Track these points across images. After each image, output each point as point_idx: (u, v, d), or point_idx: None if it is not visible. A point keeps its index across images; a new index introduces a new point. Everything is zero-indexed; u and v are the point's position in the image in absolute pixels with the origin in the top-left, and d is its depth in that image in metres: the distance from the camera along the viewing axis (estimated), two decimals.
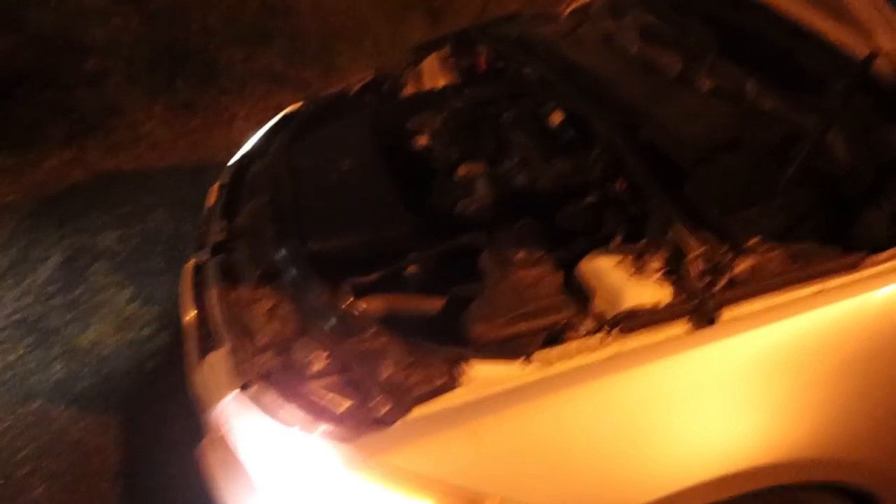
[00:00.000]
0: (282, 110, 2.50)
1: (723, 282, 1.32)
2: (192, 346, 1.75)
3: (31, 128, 4.09)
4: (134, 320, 2.92)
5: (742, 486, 1.27)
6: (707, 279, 1.32)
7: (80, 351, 2.79)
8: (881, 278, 1.33)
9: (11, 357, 2.76)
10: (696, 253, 1.35)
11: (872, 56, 1.28)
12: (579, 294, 1.43)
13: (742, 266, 1.35)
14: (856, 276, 1.33)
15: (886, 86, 1.36)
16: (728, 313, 1.29)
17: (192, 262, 1.85)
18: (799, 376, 1.29)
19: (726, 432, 1.25)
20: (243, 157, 2.21)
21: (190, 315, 1.79)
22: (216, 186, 2.13)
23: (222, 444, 1.48)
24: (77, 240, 3.38)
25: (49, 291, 3.08)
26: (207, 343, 1.64)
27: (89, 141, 4.09)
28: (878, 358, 1.33)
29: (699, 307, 1.28)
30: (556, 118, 1.94)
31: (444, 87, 2.35)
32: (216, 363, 1.54)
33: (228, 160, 2.30)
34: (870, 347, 1.32)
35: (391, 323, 1.43)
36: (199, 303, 1.76)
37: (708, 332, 1.28)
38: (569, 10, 2.65)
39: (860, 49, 1.33)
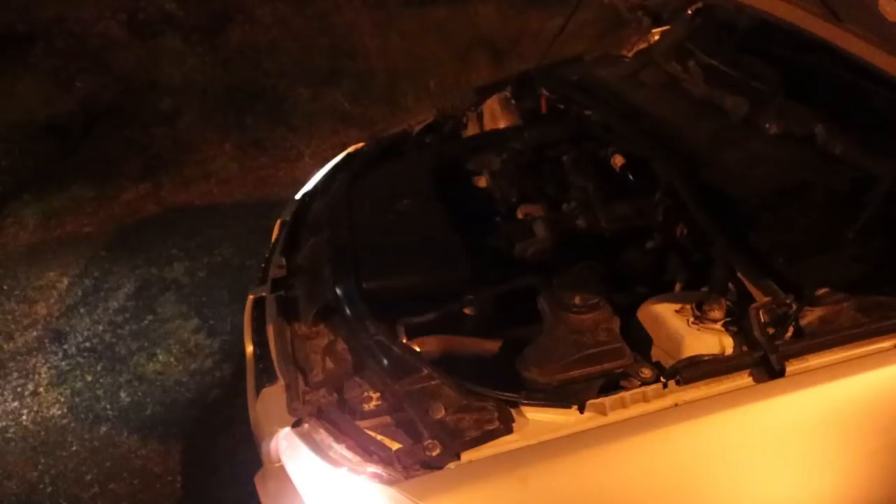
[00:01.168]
0: (347, 148, 2.55)
1: (788, 333, 1.27)
2: (250, 379, 1.77)
3: (109, 163, 4.29)
4: (198, 351, 2.99)
5: None
6: (771, 330, 1.27)
7: (146, 379, 2.87)
8: None
9: (80, 384, 2.86)
10: (761, 303, 1.30)
11: None
12: (637, 341, 1.40)
13: (809, 317, 1.30)
14: None
15: None
16: (794, 366, 1.23)
17: (251, 297, 1.88)
18: (870, 434, 1.22)
19: (790, 493, 1.19)
20: (305, 194, 2.25)
21: (249, 349, 1.82)
22: (278, 223, 2.18)
23: (277, 476, 1.48)
24: (147, 271, 3.50)
25: (119, 321, 3.18)
26: (264, 377, 1.65)
27: (163, 176, 4.26)
28: None
29: (764, 359, 1.23)
30: (618, 161, 1.92)
31: (505, 129, 2.36)
32: (271, 398, 1.55)
33: (294, 196, 2.35)
34: None
35: (445, 365, 1.42)
36: (258, 337, 1.79)
37: (773, 385, 1.22)
38: (633, 52, 2.64)
39: None
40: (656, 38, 2.61)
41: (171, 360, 2.95)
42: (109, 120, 4.42)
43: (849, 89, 1.70)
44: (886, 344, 1.24)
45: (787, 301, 1.28)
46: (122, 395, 2.80)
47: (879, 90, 1.58)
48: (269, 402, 1.56)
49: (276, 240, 2.12)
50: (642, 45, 2.64)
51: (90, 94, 4.39)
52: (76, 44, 4.48)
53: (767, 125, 1.81)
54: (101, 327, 3.15)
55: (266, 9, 5.19)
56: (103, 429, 2.66)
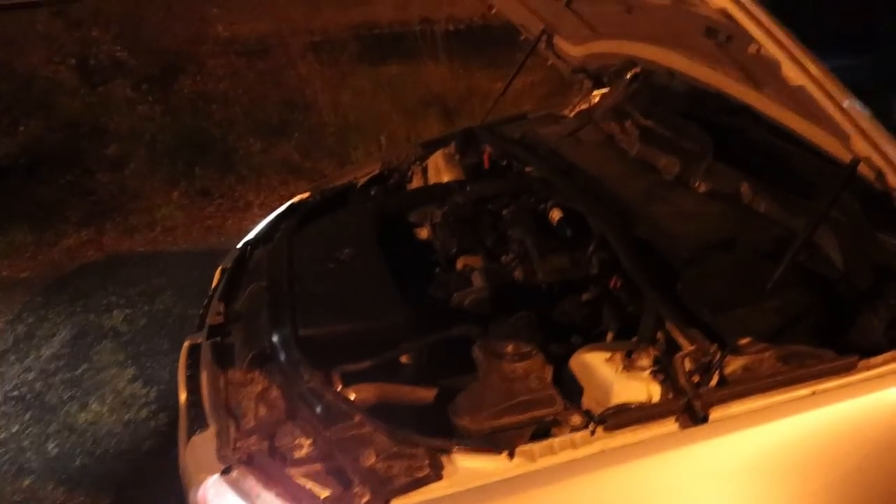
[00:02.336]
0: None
1: (712, 381, 1.31)
2: (182, 426, 1.73)
3: (51, 208, 4.22)
4: (133, 401, 2.91)
5: None
6: (696, 378, 1.31)
7: (76, 430, 2.77)
8: (877, 382, 1.31)
9: (4, 434, 2.75)
10: (685, 351, 1.34)
11: (856, 161, 1.31)
12: (569, 389, 1.42)
13: (732, 366, 1.34)
14: (851, 378, 1.31)
15: (871, 192, 1.38)
16: (718, 413, 1.27)
17: (187, 344, 1.85)
18: (790, 480, 1.25)
19: None
20: (247, 242, 2.25)
21: (182, 395, 1.79)
22: (219, 270, 2.16)
23: None
24: (85, 318, 3.41)
25: (51, 368, 3.09)
26: (196, 425, 1.62)
27: (107, 223, 4.20)
28: (873, 464, 1.29)
29: (688, 406, 1.26)
30: (555, 215, 1.97)
31: (448, 183, 2.40)
32: (201, 445, 1.52)
33: (236, 244, 2.34)
34: (864, 452, 1.29)
35: (379, 412, 1.42)
36: (192, 384, 1.75)
37: (697, 431, 1.25)
38: (574, 112, 2.74)
39: (843, 154, 1.36)
40: (596, 99, 2.72)
41: (104, 409, 2.86)
42: (53, 165, 4.36)
43: (772, 151, 1.80)
44: (804, 392, 1.28)
45: (711, 350, 1.32)
46: (50, 446, 2.69)
47: (798, 151, 1.67)
48: (200, 449, 1.52)
49: (216, 286, 2.10)
50: (583, 106, 2.74)
51: (35, 138, 4.33)
52: (22, 87, 4.44)
53: (697, 183, 1.89)
54: (31, 375, 3.04)
55: (219, 60, 5.23)
56: (27, 482, 2.55)
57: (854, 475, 1.27)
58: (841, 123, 1.25)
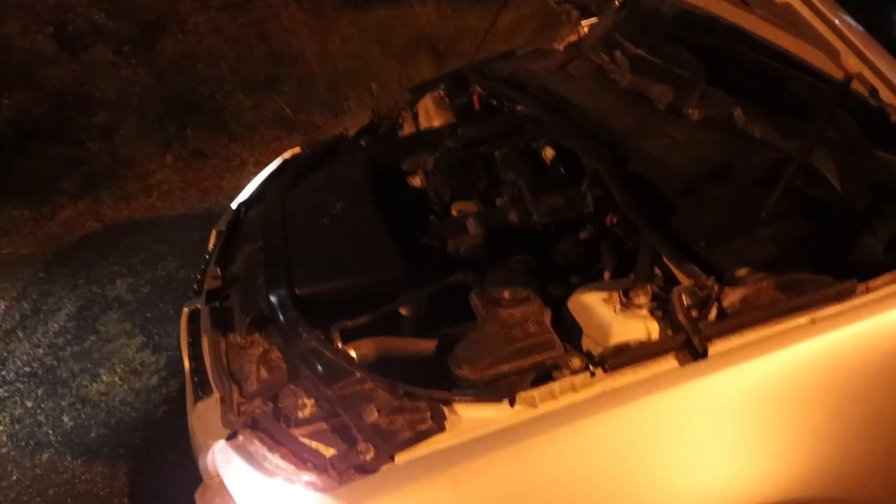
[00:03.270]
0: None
1: (711, 315, 1.29)
2: (189, 394, 1.74)
3: (45, 181, 4.19)
4: (143, 369, 2.94)
5: None
6: (695, 313, 1.29)
7: (89, 401, 2.80)
8: (877, 305, 1.29)
9: (20, 410, 2.78)
10: (683, 286, 1.32)
11: (849, 79, 1.26)
12: (569, 331, 1.41)
13: (731, 298, 1.32)
14: (850, 304, 1.29)
15: (867, 109, 1.34)
16: (718, 347, 1.25)
17: (186, 310, 1.85)
18: (794, 410, 1.25)
19: (719, 471, 1.21)
20: (241, 203, 2.22)
21: (186, 363, 1.79)
22: (214, 233, 2.15)
23: (216, 490, 1.46)
24: (88, 290, 3.42)
25: (60, 343, 3.11)
26: (200, 391, 1.63)
27: (102, 192, 4.17)
28: (876, 389, 1.28)
29: (687, 341, 1.25)
30: (548, 154, 1.93)
31: (439, 127, 2.35)
32: (206, 411, 1.53)
33: (230, 205, 2.32)
34: (867, 378, 1.27)
35: (380, 367, 1.41)
36: (194, 350, 1.76)
37: (697, 366, 1.24)
38: (563, 45, 2.66)
39: (836, 72, 1.31)
40: (585, 30, 2.64)
41: (116, 379, 2.89)
42: (42, 137, 4.31)
43: (765, 73, 1.74)
44: (803, 320, 1.26)
45: (709, 283, 1.30)
46: (65, 418, 2.73)
47: (792, 73, 1.62)
48: (205, 415, 1.53)
49: (212, 250, 2.09)
50: (572, 38, 2.66)
51: (20, 110, 4.27)
52: (1, 59, 4.35)
53: (690, 111, 1.84)
54: (41, 350, 3.07)
55: (199, 17, 5.11)
56: (45, 455, 2.59)
57: (859, 401, 1.26)
58: (831, 40, 1.20)
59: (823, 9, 1.18)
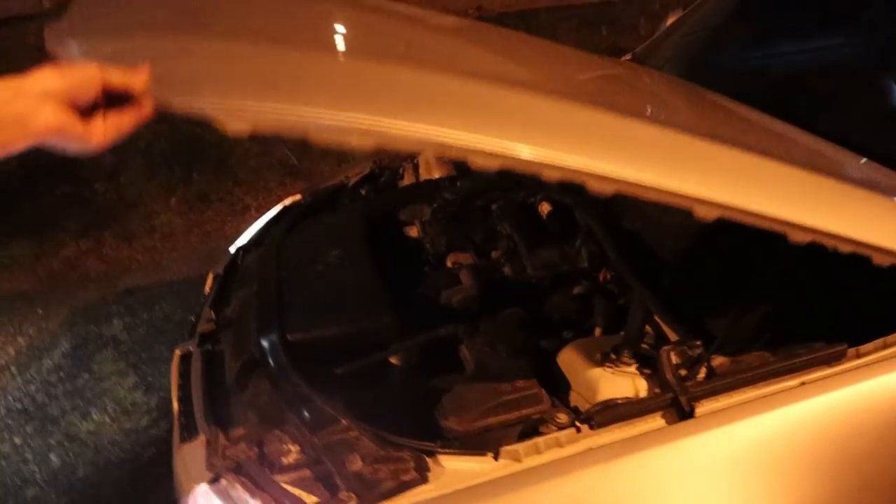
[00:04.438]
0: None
1: (699, 374, 1.29)
2: (175, 435, 1.73)
3: (50, 219, 4.22)
4: (134, 409, 2.92)
5: None
6: (683, 372, 1.29)
7: (78, 440, 2.78)
8: (868, 370, 1.30)
9: (7, 447, 2.75)
10: (671, 345, 1.32)
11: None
12: (558, 386, 1.41)
13: (721, 358, 1.32)
14: (840, 368, 1.30)
15: None
16: (705, 407, 1.25)
17: (178, 353, 1.85)
18: (782, 474, 1.24)
19: None
20: (239, 247, 2.24)
21: (175, 405, 1.79)
22: (211, 276, 2.16)
23: None
24: (85, 328, 3.41)
25: (52, 380, 3.09)
26: (186, 433, 1.62)
27: (105, 232, 4.19)
28: (866, 456, 1.27)
29: (674, 400, 1.25)
30: (544, 209, 1.96)
31: (439, 179, 2.38)
32: (191, 454, 1.52)
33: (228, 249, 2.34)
34: (857, 444, 1.27)
35: (366, 416, 1.41)
36: (184, 393, 1.75)
37: (685, 426, 1.24)
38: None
39: None
40: None
41: (106, 419, 2.86)
42: (49, 176, 4.36)
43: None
44: (792, 383, 1.26)
45: (697, 343, 1.31)
46: (52, 457, 2.70)
47: None
48: (189, 458, 1.52)
49: (208, 293, 2.10)
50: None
51: (28, 151, 4.33)
52: None
53: None
54: (33, 387, 3.05)
55: None
56: (31, 492, 2.56)
57: (847, 467, 1.26)
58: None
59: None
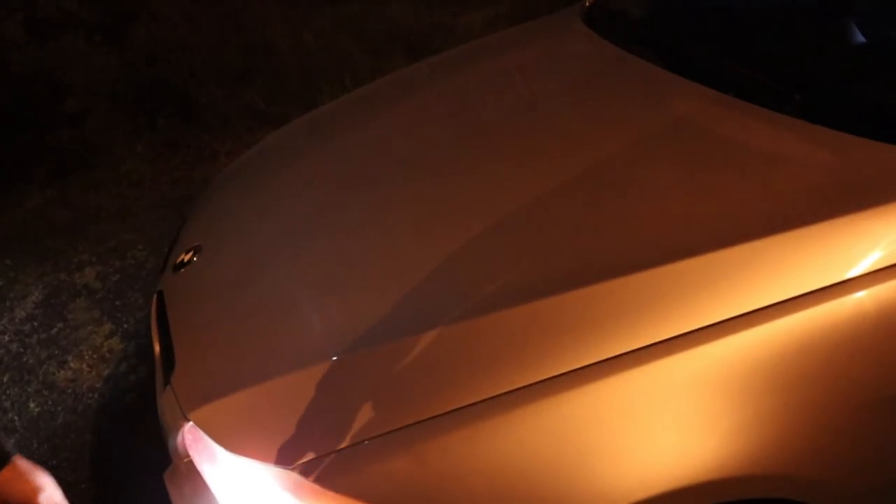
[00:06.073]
0: None
1: None
2: (158, 374, 1.75)
3: (12, 169, 4.14)
4: (112, 356, 2.93)
5: None
6: None
7: (56, 388, 2.79)
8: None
9: None
10: None
11: None
12: None
13: None
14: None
15: None
16: None
17: (157, 291, 1.86)
18: (736, 392, 1.27)
19: (663, 450, 1.23)
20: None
21: (156, 346, 1.81)
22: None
23: (186, 471, 1.48)
24: (56, 278, 3.40)
25: (26, 330, 3.09)
26: (170, 371, 1.64)
27: (71, 180, 4.14)
28: (816, 371, 1.32)
29: None
30: None
31: None
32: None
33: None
34: (808, 360, 1.31)
35: None
36: (163, 331, 1.77)
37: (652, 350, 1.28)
38: None
39: None
40: None
41: (84, 367, 2.87)
42: (10, 125, 4.26)
43: None
44: None
45: None
46: (32, 405, 2.72)
47: None
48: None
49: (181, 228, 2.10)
50: None
51: None
52: None
53: None
54: (6, 338, 3.04)
55: (173, 7, 5.08)
56: (11, 441, 2.56)
57: (799, 379, 1.30)
58: None
59: None
